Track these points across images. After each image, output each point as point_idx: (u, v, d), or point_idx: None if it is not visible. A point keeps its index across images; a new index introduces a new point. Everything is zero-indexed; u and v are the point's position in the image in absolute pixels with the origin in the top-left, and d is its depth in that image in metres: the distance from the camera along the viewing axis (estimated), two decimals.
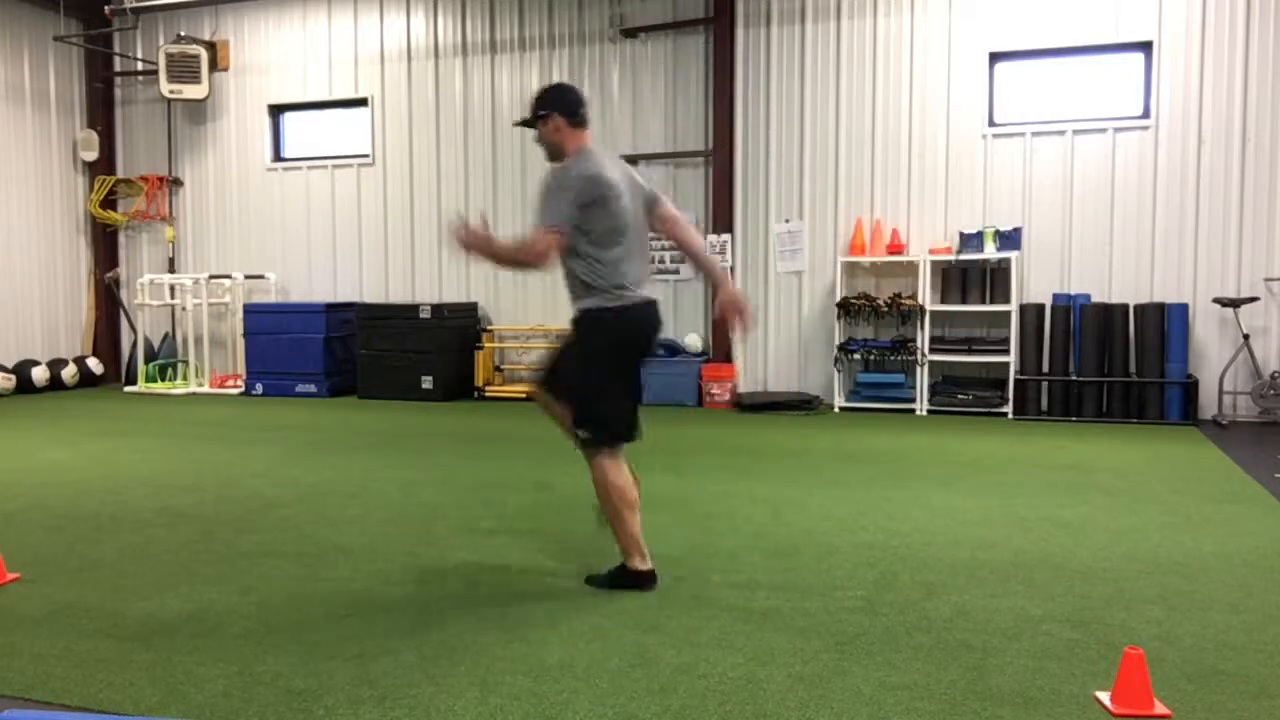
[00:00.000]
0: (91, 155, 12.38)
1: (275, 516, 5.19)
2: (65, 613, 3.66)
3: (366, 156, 11.59)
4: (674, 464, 6.63)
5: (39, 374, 11.47)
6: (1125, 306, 8.75)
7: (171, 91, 11.67)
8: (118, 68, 12.56)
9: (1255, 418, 8.59)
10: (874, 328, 9.61)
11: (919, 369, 9.22)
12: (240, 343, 11.50)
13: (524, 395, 10.52)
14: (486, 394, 10.64)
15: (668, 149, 10.41)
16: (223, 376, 11.76)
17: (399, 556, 4.41)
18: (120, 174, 12.61)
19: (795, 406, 9.42)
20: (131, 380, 12.05)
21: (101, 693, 2.95)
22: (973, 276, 9.12)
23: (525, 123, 4.14)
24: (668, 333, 10.47)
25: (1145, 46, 8.90)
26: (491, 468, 6.58)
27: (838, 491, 5.72)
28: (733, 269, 10.08)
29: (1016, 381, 8.86)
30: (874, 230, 9.56)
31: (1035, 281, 9.21)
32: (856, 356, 9.47)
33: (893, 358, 9.39)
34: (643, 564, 3.93)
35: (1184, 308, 8.51)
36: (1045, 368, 8.93)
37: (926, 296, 9.20)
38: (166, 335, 12.37)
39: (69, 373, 11.85)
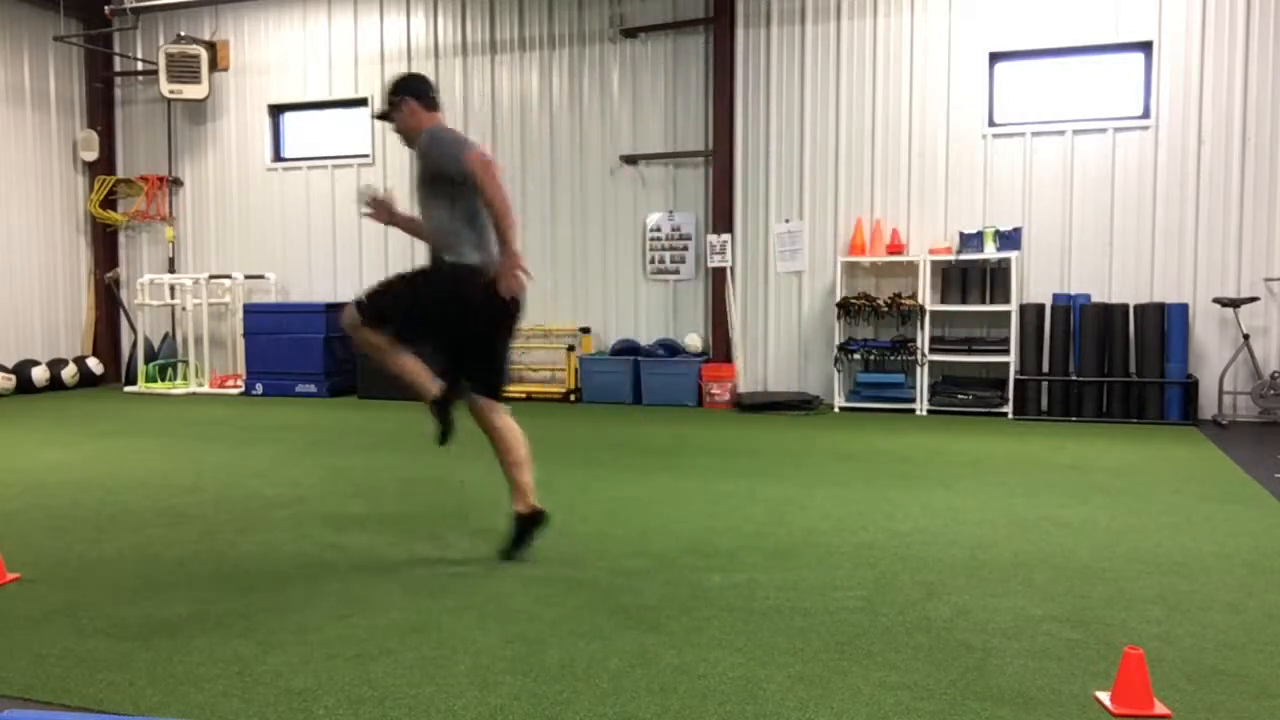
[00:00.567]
0: (91, 155, 12.39)
1: (275, 516, 5.19)
2: (65, 613, 3.66)
3: (366, 156, 11.59)
4: (674, 464, 6.63)
5: (39, 374, 11.48)
6: (1125, 306, 8.75)
7: (171, 91, 11.68)
8: (118, 68, 12.56)
9: (1255, 418, 8.59)
10: (874, 328, 9.61)
11: (919, 369, 9.22)
12: (240, 343, 11.51)
13: (524, 396, 10.53)
14: None
15: (668, 149, 10.41)
16: (223, 376, 11.76)
17: (399, 556, 4.41)
18: (120, 174, 12.61)
19: (795, 406, 9.42)
20: (131, 380, 12.05)
21: (101, 693, 2.95)
22: (973, 276, 9.12)
23: (384, 115, 4.39)
24: (668, 333, 10.48)
25: (1145, 46, 8.90)
26: (492, 468, 6.56)
27: (838, 491, 5.72)
28: (732, 269, 10.08)
29: (1016, 381, 8.86)
30: (874, 230, 9.56)
31: (1035, 281, 9.21)
32: (856, 356, 9.47)
33: (893, 358, 9.39)
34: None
35: (1184, 308, 8.51)
36: (1045, 368, 8.93)
37: (926, 296, 9.20)
38: (166, 335, 12.37)
39: (69, 373, 11.85)
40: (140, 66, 12.39)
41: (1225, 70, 8.68)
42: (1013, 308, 8.96)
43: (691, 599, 3.76)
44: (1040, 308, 8.97)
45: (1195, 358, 8.79)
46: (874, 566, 4.19)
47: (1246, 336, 8.42)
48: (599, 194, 10.69)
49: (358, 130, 11.69)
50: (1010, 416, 8.87)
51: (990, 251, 9.06)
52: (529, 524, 4.30)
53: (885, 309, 9.32)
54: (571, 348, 10.46)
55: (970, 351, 9.15)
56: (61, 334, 12.34)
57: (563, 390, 10.44)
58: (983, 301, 9.10)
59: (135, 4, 11.50)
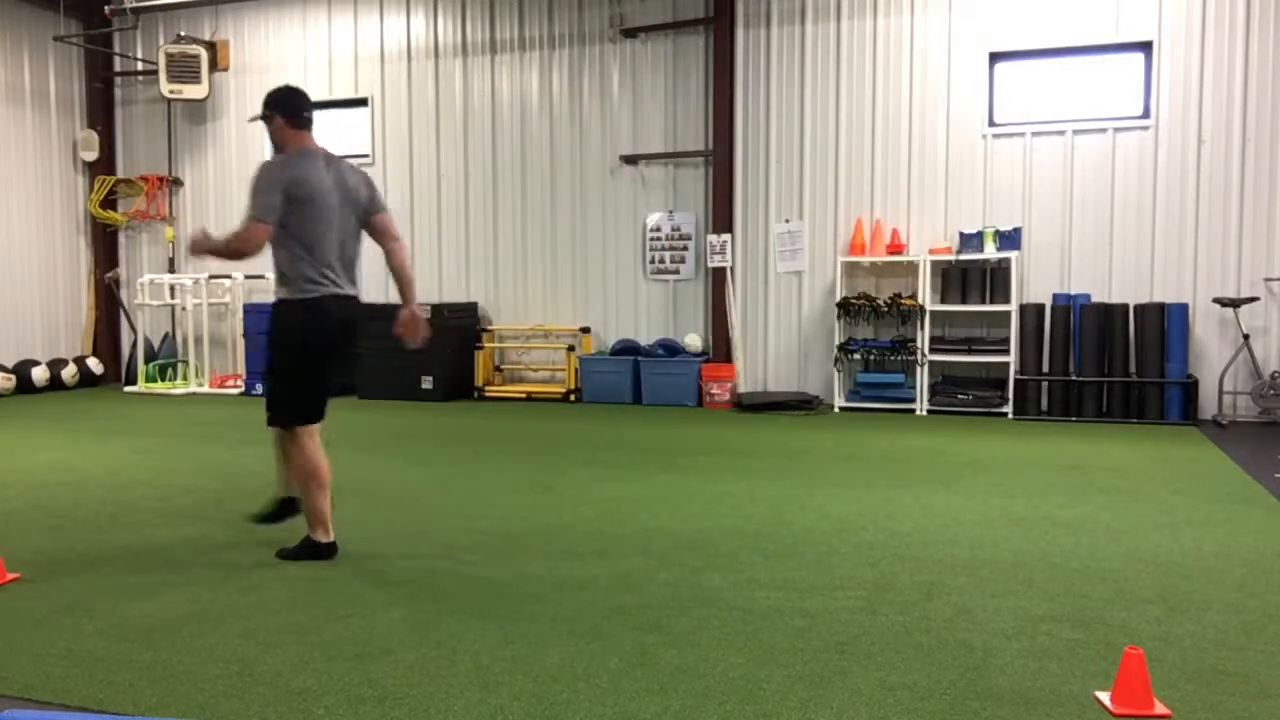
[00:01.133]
0: (91, 155, 12.39)
1: None
2: (65, 613, 3.66)
3: (366, 156, 11.59)
4: (674, 464, 6.63)
5: (39, 374, 11.47)
6: (1125, 306, 8.75)
7: (171, 91, 11.68)
8: (118, 68, 12.56)
9: (1255, 418, 8.59)
10: (874, 328, 9.62)
11: (919, 369, 9.22)
12: (240, 343, 11.51)
13: (524, 396, 10.53)
14: (486, 394, 10.64)
15: (668, 149, 10.41)
16: (223, 376, 11.76)
17: (399, 556, 4.41)
18: (120, 174, 12.61)
19: (795, 406, 9.42)
20: (131, 380, 12.05)
21: (101, 693, 2.95)
22: (973, 276, 9.12)
23: (258, 118, 4.52)
24: (668, 333, 10.48)
25: (1145, 46, 8.90)
26: (492, 468, 6.58)
27: (838, 491, 5.72)
28: (733, 269, 10.08)
29: (1016, 381, 8.86)
30: (874, 230, 9.56)
31: (1035, 281, 9.21)
32: (856, 356, 9.48)
33: (893, 358, 9.39)
34: (325, 537, 4.34)
35: (1184, 308, 8.51)
36: (1045, 368, 8.93)
37: (926, 296, 9.20)
38: (166, 335, 12.37)
39: (69, 373, 11.85)
40: (140, 66, 12.39)
41: (1225, 70, 8.68)
42: (1013, 308, 8.96)
43: (691, 599, 3.76)
44: (1040, 308, 8.97)
45: (1195, 358, 8.79)
46: (874, 566, 4.19)
47: (1246, 336, 8.42)
48: (599, 194, 10.69)
49: (358, 130, 11.69)
50: (1010, 416, 8.87)
51: (990, 251, 9.07)
52: (285, 512, 4.62)
53: (885, 309, 9.32)
54: (571, 348, 10.46)
55: (970, 351, 9.15)
56: (61, 334, 12.34)
57: (563, 390, 10.44)
58: (983, 301, 9.10)
59: (135, 4, 11.50)
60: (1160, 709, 2.76)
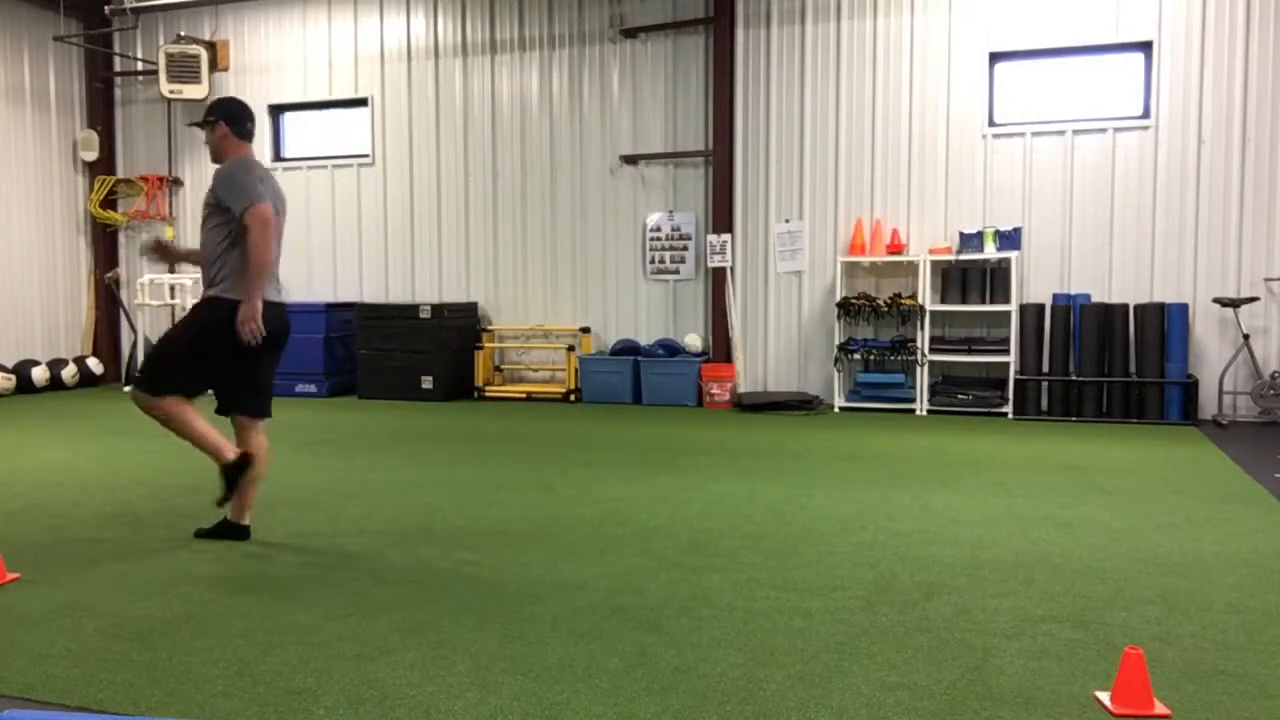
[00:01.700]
0: (91, 155, 12.39)
1: (274, 517, 5.19)
2: (65, 613, 3.66)
3: (366, 156, 11.59)
4: (674, 464, 6.63)
5: (39, 374, 11.47)
6: (1125, 306, 8.75)
7: (171, 91, 11.67)
8: (118, 68, 12.56)
9: (1255, 418, 8.59)
10: (874, 328, 9.62)
11: (919, 369, 9.22)
12: None
13: (524, 396, 10.53)
14: (486, 394, 10.64)
15: (668, 149, 10.41)
16: None
17: (399, 556, 4.41)
18: (120, 174, 12.62)
19: (795, 406, 9.42)
20: (131, 380, 12.04)
21: (101, 693, 2.95)
22: (973, 276, 9.12)
23: (198, 124, 4.65)
24: (668, 333, 10.48)
25: (1145, 46, 8.91)
26: (492, 468, 6.58)
27: (838, 491, 5.72)
28: (732, 269, 10.09)
29: (1016, 381, 8.86)
30: (874, 230, 9.56)
31: (1035, 281, 9.21)
32: (856, 356, 9.48)
33: (893, 358, 9.39)
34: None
35: (1184, 308, 8.51)
36: (1045, 368, 8.93)
37: (926, 296, 9.20)
38: None
39: (69, 373, 11.85)
40: (140, 66, 12.39)
41: (1225, 70, 8.68)
42: (1013, 308, 8.96)
43: (691, 599, 3.76)
44: (1040, 308, 8.97)
45: (1195, 358, 8.80)
46: (874, 566, 4.19)
47: (1246, 336, 8.42)
48: (599, 194, 10.69)
49: (358, 130, 11.69)
50: (1010, 416, 8.87)
51: (990, 251, 9.07)
52: (226, 533, 4.73)
53: (885, 309, 9.32)
54: (571, 347, 10.46)
55: (970, 351, 9.15)
56: (61, 334, 12.34)
57: (563, 390, 10.44)
58: (983, 301, 9.10)
59: (135, 4, 11.49)
60: (1160, 709, 2.76)
